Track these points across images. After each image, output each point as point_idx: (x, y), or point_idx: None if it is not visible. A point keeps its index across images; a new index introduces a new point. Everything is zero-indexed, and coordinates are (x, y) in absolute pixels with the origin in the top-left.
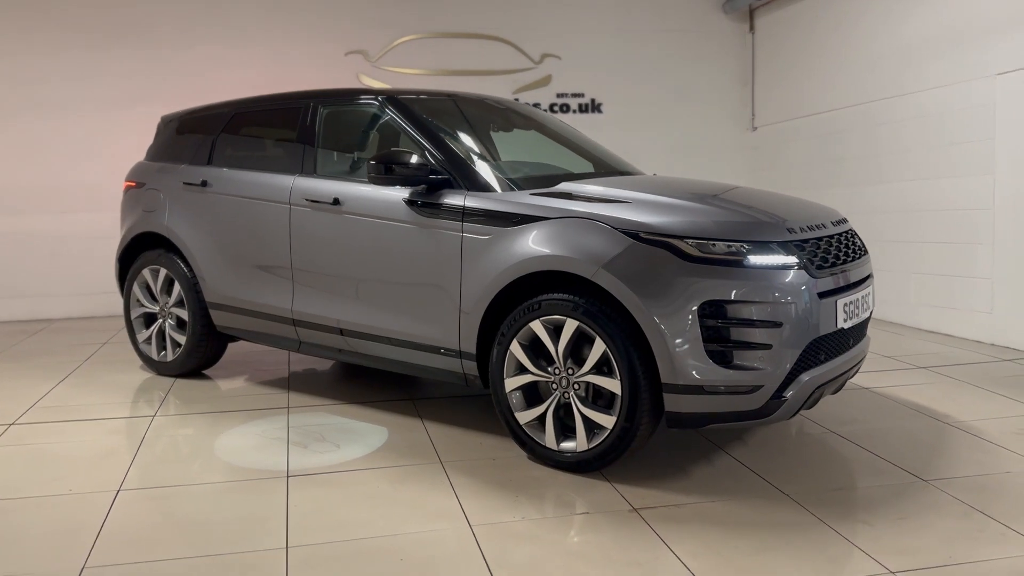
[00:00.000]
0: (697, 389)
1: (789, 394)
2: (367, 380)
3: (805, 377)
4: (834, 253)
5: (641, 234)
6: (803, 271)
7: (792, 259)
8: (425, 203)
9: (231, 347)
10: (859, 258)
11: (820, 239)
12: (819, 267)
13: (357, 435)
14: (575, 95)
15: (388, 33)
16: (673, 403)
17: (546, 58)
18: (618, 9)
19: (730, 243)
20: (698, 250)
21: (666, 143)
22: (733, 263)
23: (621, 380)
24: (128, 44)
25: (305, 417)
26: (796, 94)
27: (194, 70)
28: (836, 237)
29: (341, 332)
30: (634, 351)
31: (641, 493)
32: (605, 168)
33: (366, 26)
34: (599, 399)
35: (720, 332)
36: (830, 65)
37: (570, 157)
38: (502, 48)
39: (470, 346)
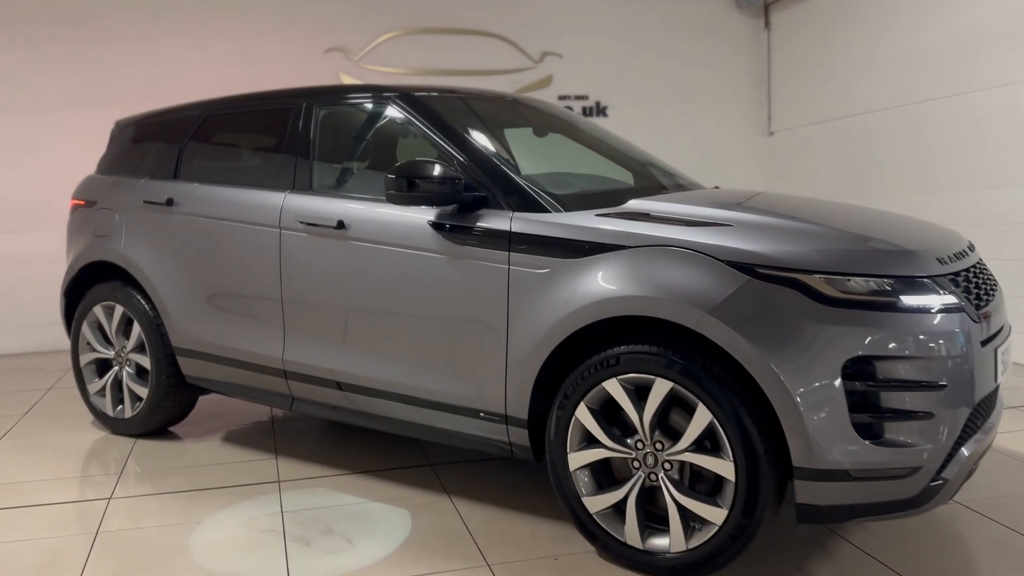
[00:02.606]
0: (841, 475)
1: (950, 474)
2: (368, 438)
3: (966, 451)
4: (982, 288)
5: (758, 268)
6: (964, 314)
7: (951, 299)
8: (457, 227)
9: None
10: (997, 293)
11: (969, 271)
12: (976, 307)
13: (372, 523)
14: (579, 97)
15: (372, 28)
16: (808, 493)
17: (547, 56)
18: (624, 4)
19: (874, 279)
20: (836, 289)
21: (675, 149)
22: (882, 306)
23: (735, 461)
24: (75, 36)
25: (302, 496)
26: (819, 96)
27: (152, 68)
28: (976, 268)
29: (340, 386)
30: (752, 423)
31: None
32: (655, 180)
33: (347, 20)
34: (697, 483)
35: (868, 398)
36: (860, 63)
37: (608, 166)
38: (498, 45)
39: (520, 410)
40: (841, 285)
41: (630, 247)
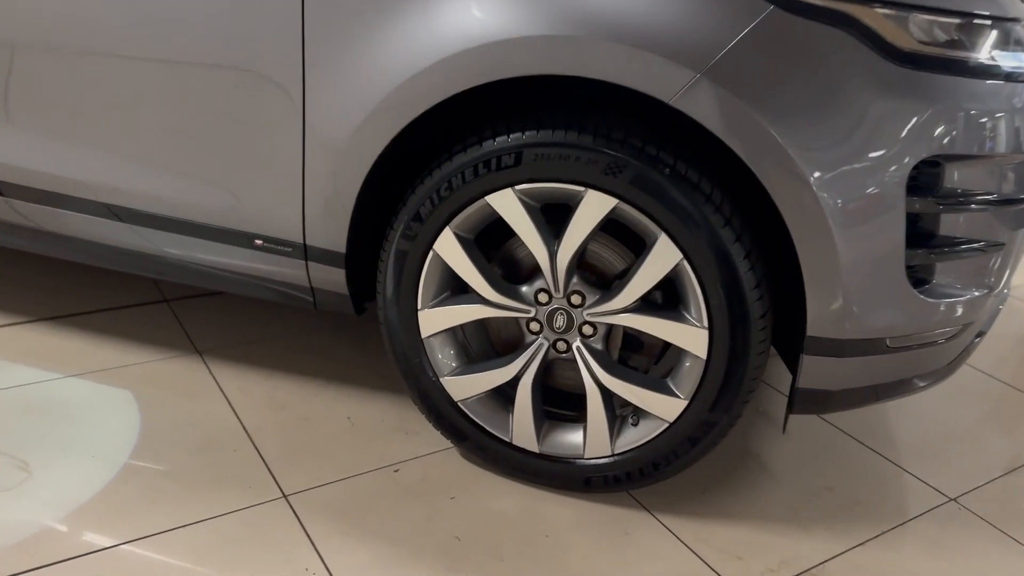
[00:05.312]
0: (875, 347)
1: (988, 326)
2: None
3: (1006, 290)
4: None
5: None
6: None
7: None
8: None
9: None
10: None
11: None
12: None
13: (68, 423)
14: None
15: None
16: (820, 375)
17: None
18: None
19: (963, 17)
20: (912, 35)
21: None
22: (969, 68)
23: (712, 329)
24: None
25: None
26: None
27: None
28: None
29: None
30: (749, 270)
31: (720, 538)
32: None
33: None
34: (632, 354)
35: (927, 223)
36: None
37: None
38: None
39: (331, 237)
40: (924, 29)
41: None
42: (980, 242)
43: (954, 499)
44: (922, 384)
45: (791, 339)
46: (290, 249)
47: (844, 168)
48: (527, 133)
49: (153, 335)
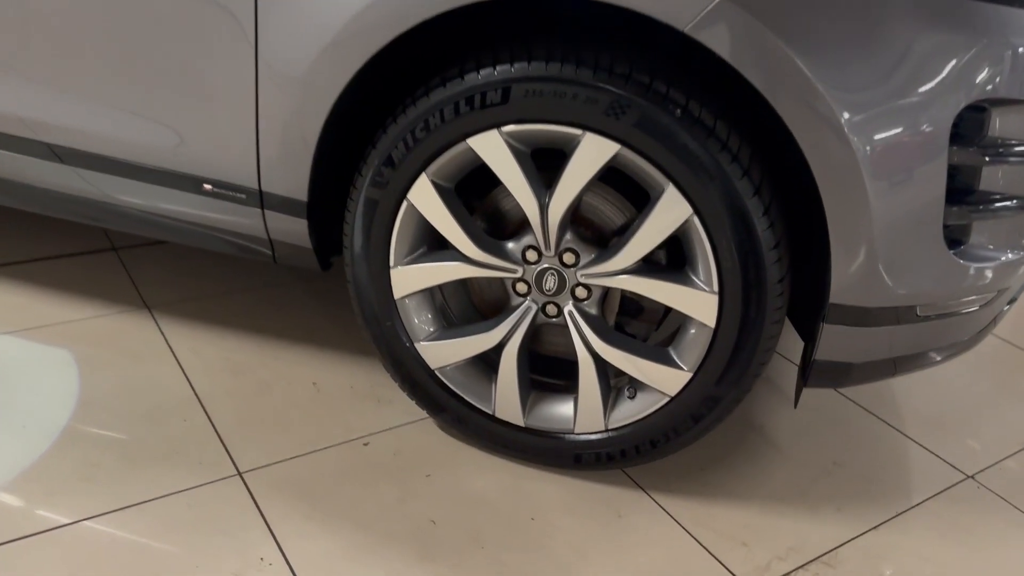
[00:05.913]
0: (903, 315)
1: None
2: None
3: None
4: None
5: None
6: None
7: None
8: None
9: None
10: None
11: None
12: None
13: None
14: None
15: None
16: (843, 345)
17: None
18: None
19: None
20: None
21: None
22: None
23: (723, 293)
24: None
25: None
26: None
27: None
28: None
29: None
30: (768, 228)
31: (722, 521)
32: None
33: None
34: (630, 319)
35: (965, 177)
36: None
37: None
38: None
39: (292, 183)
40: None
41: None
42: (1021, 198)
43: (971, 476)
44: (940, 357)
45: (809, 306)
46: (244, 196)
47: (881, 109)
48: (516, 66)
49: (97, 287)
